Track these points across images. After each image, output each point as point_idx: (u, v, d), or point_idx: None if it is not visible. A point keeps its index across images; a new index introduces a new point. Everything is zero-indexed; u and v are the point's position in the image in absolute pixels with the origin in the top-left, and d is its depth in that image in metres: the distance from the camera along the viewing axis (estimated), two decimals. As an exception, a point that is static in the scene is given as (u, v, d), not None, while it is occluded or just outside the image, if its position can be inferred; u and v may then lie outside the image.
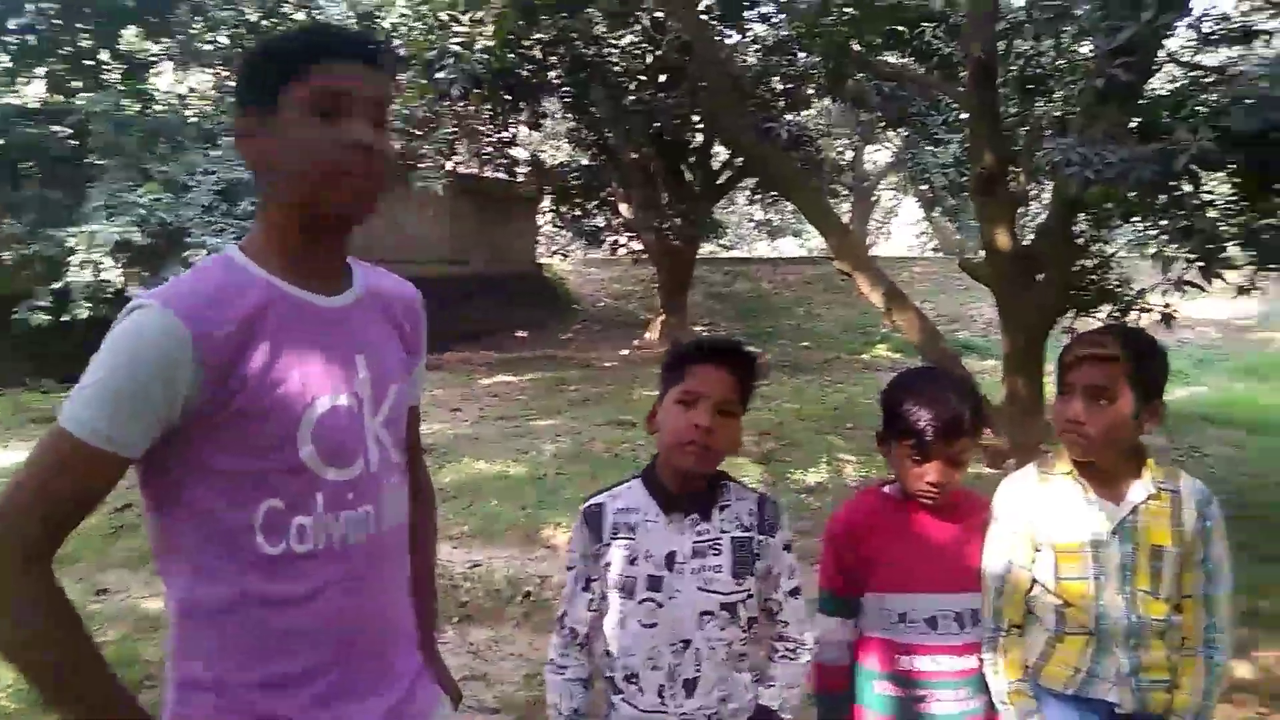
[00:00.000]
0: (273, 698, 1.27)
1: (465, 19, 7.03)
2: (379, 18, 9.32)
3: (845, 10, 8.09)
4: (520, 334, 14.38)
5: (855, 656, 1.99)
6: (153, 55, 11.99)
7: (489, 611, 4.34)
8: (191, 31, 11.54)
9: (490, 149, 11.64)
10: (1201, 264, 4.65)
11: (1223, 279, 4.85)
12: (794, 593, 1.84)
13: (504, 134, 11.13)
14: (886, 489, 2.05)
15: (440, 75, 7.33)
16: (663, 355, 1.91)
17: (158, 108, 11.90)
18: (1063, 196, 5.52)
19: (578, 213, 14.70)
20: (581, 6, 6.71)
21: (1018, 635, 1.92)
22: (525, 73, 8.56)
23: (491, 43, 7.00)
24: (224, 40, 12.06)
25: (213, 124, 10.50)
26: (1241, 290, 5.89)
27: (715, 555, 1.76)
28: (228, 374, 1.19)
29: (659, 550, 1.75)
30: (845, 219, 25.21)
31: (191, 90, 13.25)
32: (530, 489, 5.99)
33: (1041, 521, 1.92)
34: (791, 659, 1.83)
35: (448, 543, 5.24)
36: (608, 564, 1.78)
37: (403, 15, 7.80)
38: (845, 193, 21.17)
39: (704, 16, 10.08)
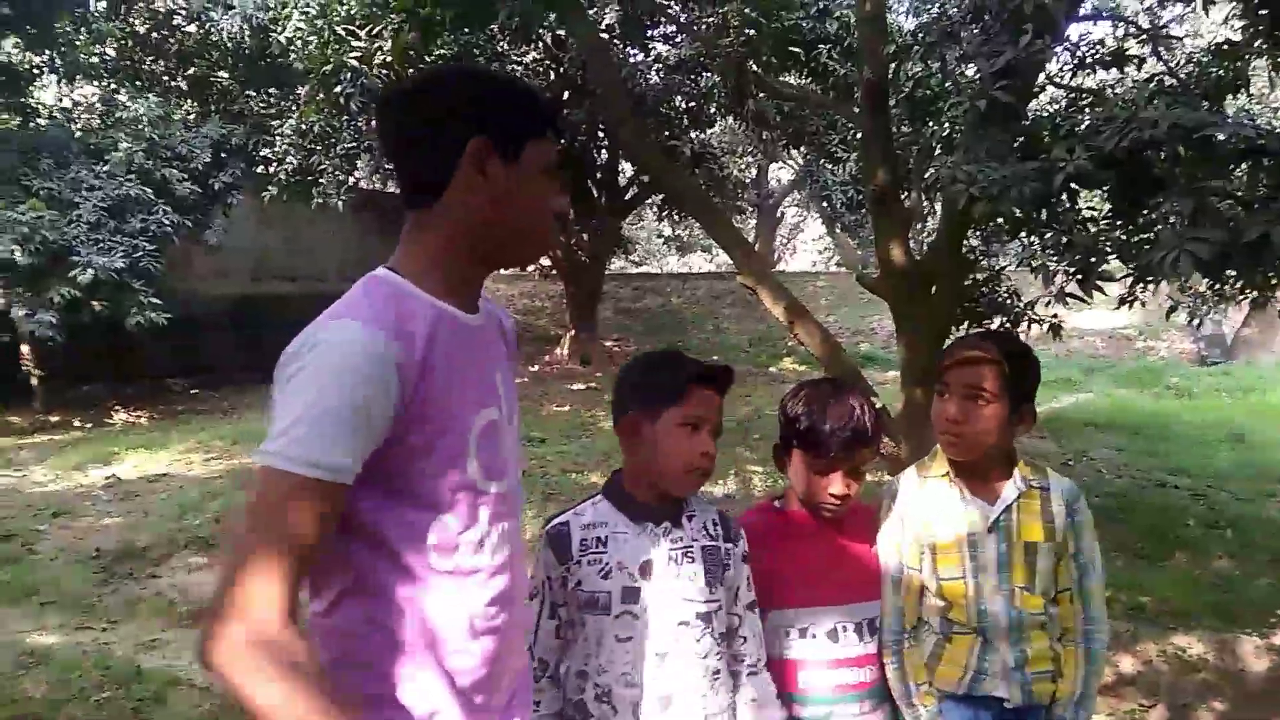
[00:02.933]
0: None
1: (363, 33, 6.93)
2: (274, 31, 9.12)
3: (743, 31, 8.26)
4: (427, 352, 14.11)
5: None
6: (34, 67, 11.48)
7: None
8: (76, 43, 11.10)
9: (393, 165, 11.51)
10: (1080, 277, 4.86)
11: (1102, 291, 5.08)
12: (751, 606, 1.82)
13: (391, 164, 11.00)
14: (776, 503, 2.04)
15: (338, 89, 7.21)
16: (634, 372, 1.86)
17: (40, 122, 11.41)
18: (951, 213, 5.71)
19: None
20: (481, 24, 6.68)
21: (915, 637, 1.96)
22: (427, 88, 8.48)
23: (390, 58, 6.91)
24: (111, 53, 11.63)
25: (99, 139, 10.11)
26: (1122, 301, 6.20)
27: (690, 563, 1.74)
28: (416, 392, 1.20)
29: (633, 561, 1.71)
30: (751, 236, 25.61)
31: (76, 104, 12.75)
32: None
33: (921, 521, 1.97)
34: (756, 673, 1.80)
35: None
36: (578, 583, 1.72)
37: (299, 29, 7.64)
38: (750, 210, 21.51)
39: (605, 35, 10.15)
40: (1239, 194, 4.43)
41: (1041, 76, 6.48)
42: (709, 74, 10.72)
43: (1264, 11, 5.26)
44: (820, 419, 1.87)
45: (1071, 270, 5.02)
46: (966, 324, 7.48)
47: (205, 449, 8.23)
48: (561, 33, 8.81)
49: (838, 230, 19.04)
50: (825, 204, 14.91)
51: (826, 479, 1.88)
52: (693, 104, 11.84)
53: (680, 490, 1.76)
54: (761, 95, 9.44)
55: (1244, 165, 4.30)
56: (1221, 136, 4.21)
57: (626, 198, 14.03)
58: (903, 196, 7.20)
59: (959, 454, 1.95)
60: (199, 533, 5.66)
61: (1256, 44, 5.53)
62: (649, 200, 15.08)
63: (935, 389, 1.97)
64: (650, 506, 1.75)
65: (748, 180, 19.95)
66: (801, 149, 12.81)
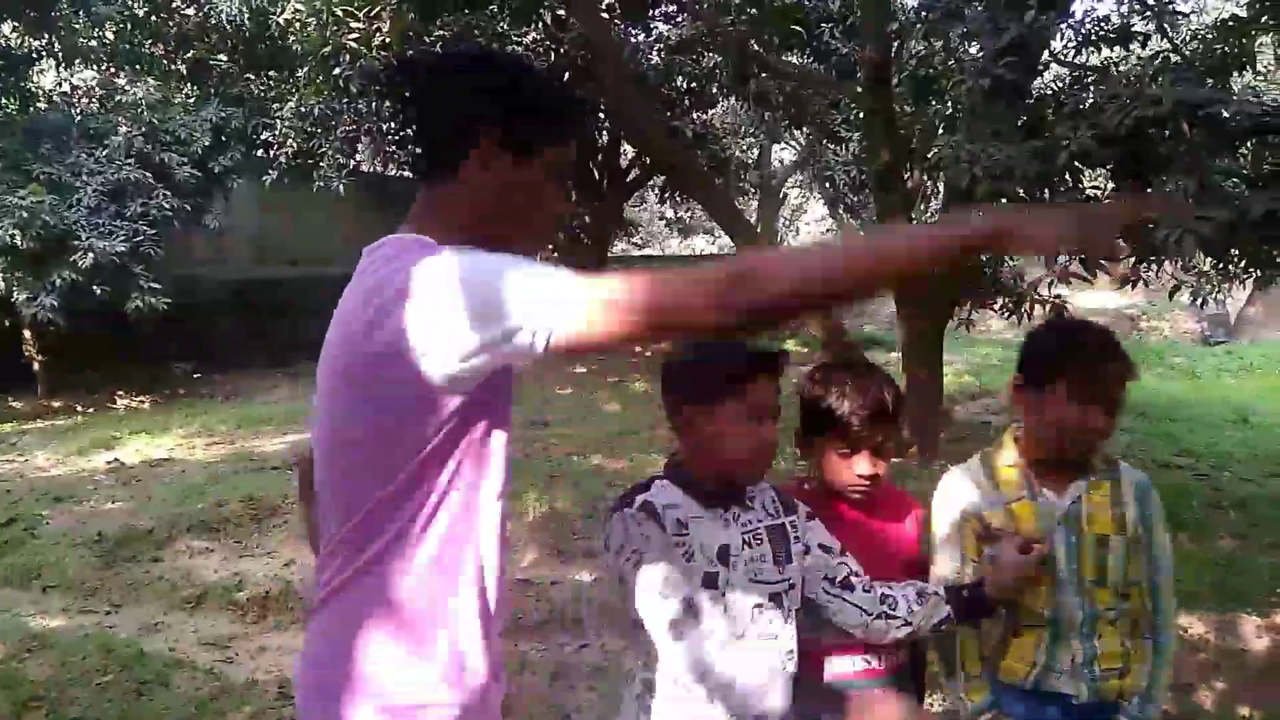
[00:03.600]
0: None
1: (361, 15, 6.88)
2: (272, 14, 9.06)
3: (745, 10, 8.20)
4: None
5: None
6: (33, 52, 11.43)
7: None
8: (75, 27, 11.04)
9: (394, 147, 11.44)
10: (1082, 257, 4.83)
11: (1106, 271, 5.06)
12: (845, 582, 1.80)
13: (407, 131, 10.93)
14: (806, 486, 1.99)
15: (336, 72, 7.18)
16: (693, 360, 1.79)
17: (40, 106, 11.37)
18: (954, 192, 5.68)
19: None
20: (481, 4, 6.64)
21: (972, 627, 1.90)
22: (427, 70, 8.43)
23: (389, 39, 6.87)
24: (109, 37, 11.57)
25: (99, 123, 10.07)
26: (1125, 281, 6.17)
27: (759, 545, 1.72)
28: None
29: (712, 545, 1.68)
30: (753, 217, 25.53)
31: (76, 88, 12.70)
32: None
33: (987, 514, 1.91)
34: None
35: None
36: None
37: (297, 11, 7.59)
38: (752, 191, 21.42)
39: (606, 15, 10.08)
40: (1244, 172, 4.40)
41: (1045, 54, 6.44)
42: (711, 54, 10.66)
43: (1271, -13, 5.21)
44: (840, 400, 1.85)
45: (1074, 249, 5.00)
46: (969, 305, 7.47)
47: (207, 433, 8.24)
48: (562, 13, 8.74)
49: (840, 211, 18.96)
50: (828, 184, 14.86)
51: (851, 460, 1.86)
52: (694, 84, 11.77)
53: (749, 480, 1.74)
54: (764, 75, 9.38)
55: (1250, 143, 4.27)
56: (1227, 114, 4.18)
57: (628, 180, 13.97)
58: (905, 176, 7.17)
59: (1073, 456, 1.89)
60: (201, 516, 5.67)
61: (1263, 20, 5.48)
62: (651, 182, 15.02)
63: (1072, 396, 1.81)
64: (718, 491, 1.73)
65: (750, 161, 19.85)
66: (804, 129, 12.74)
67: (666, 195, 16.15)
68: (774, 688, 1.70)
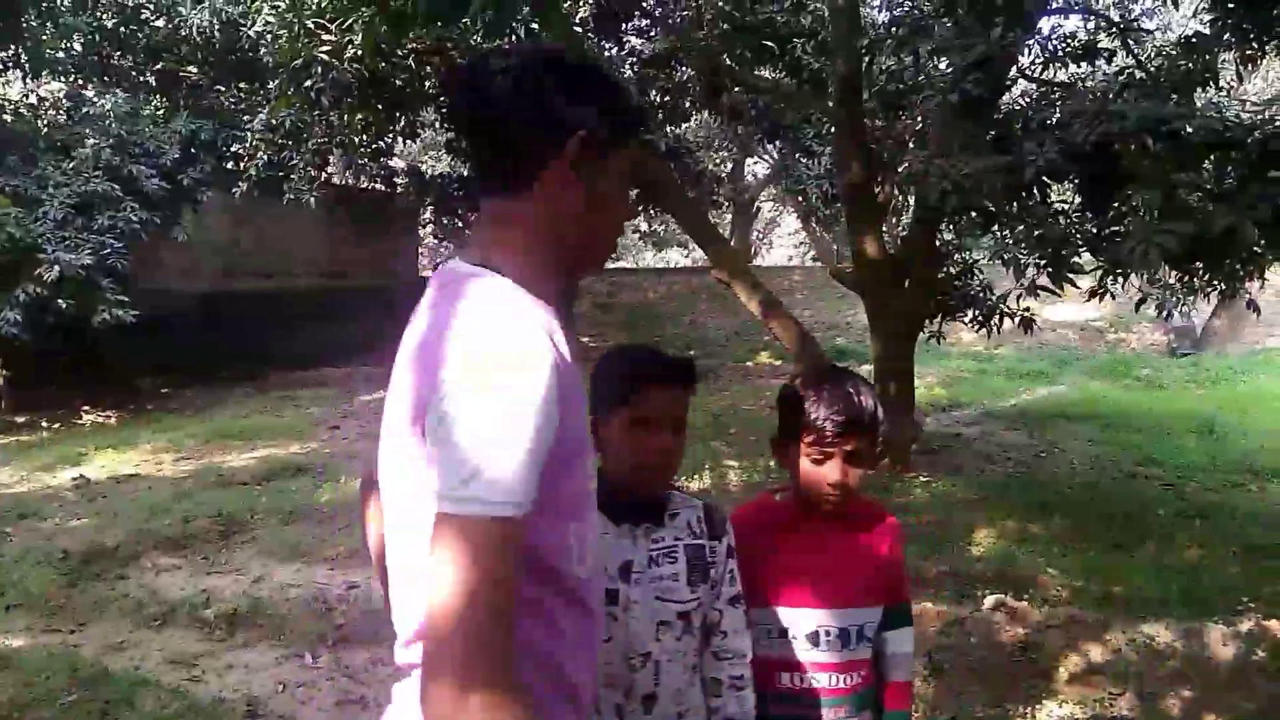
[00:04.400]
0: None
1: (334, 27, 6.86)
2: (243, 25, 9.01)
3: (717, 25, 8.26)
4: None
5: None
6: (0, 63, 11.31)
7: (367, 633, 4.22)
8: (43, 38, 10.92)
9: (366, 160, 11.40)
10: (1050, 269, 4.89)
11: (1073, 283, 5.12)
12: (734, 601, 1.78)
13: (379, 144, 10.93)
14: (779, 496, 1.97)
15: (308, 84, 7.14)
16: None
17: (6, 118, 11.23)
18: (924, 207, 5.74)
19: (460, 224, 14.51)
20: (454, 17, 6.63)
21: None
22: (399, 82, 8.43)
23: (361, 51, 6.84)
24: (78, 48, 11.46)
25: (66, 135, 9.96)
26: (1093, 294, 6.24)
27: (671, 563, 1.71)
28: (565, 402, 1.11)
29: (613, 562, 1.67)
30: (727, 230, 25.62)
31: (43, 100, 12.56)
32: (410, 507, 5.87)
33: None
34: (740, 689, 1.75)
35: (323, 565, 5.10)
36: None
37: (268, 23, 7.55)
38: (726, 204, 21.52)
39: (579, 29, 10.11)
40: (1208, 186, 4.48)
41: (1014, 70, 6.53)
42: (684, 68, 10.71)
43: (1232, 4, 5.31)
44: (816, 405, 1.81)
45: (1042, 263, 5.06)
46: (940, 317, 7.53)
47: (175, 448, 8.14)
48: (535, 26, 8.76)
49: (813, 224, 19.09)
50: (801, 198, 14.93)
51: (824, 468, 1.80)
52: (667, 98, 11.83)
53: (643, 490, 1.72)
54: (736, 89, 9.44)
55: (1212, 158, 4.35)
56: (1190, 129, 4.26)
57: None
58: (876, 190, 7.23)
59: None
60: (168, 533, 5.59)
61: (1225, 37, 5.59)
62: (625, 195, 15.05)
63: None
64: (631, 506, 1.71)
65: (723, 175, 19.95)
66: (777, 143, 12.82)
67: (641, 209, 16.20)
68: (686, 701, 1.69)
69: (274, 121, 8.61)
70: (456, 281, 1.17)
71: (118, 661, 4.09)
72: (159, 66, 11.75)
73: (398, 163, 13.73)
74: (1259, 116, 4.55)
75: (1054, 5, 7.38)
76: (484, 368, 1.05)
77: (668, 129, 12.78)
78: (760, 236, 31.37)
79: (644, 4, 10.05)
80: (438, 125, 13.23)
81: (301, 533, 5.54)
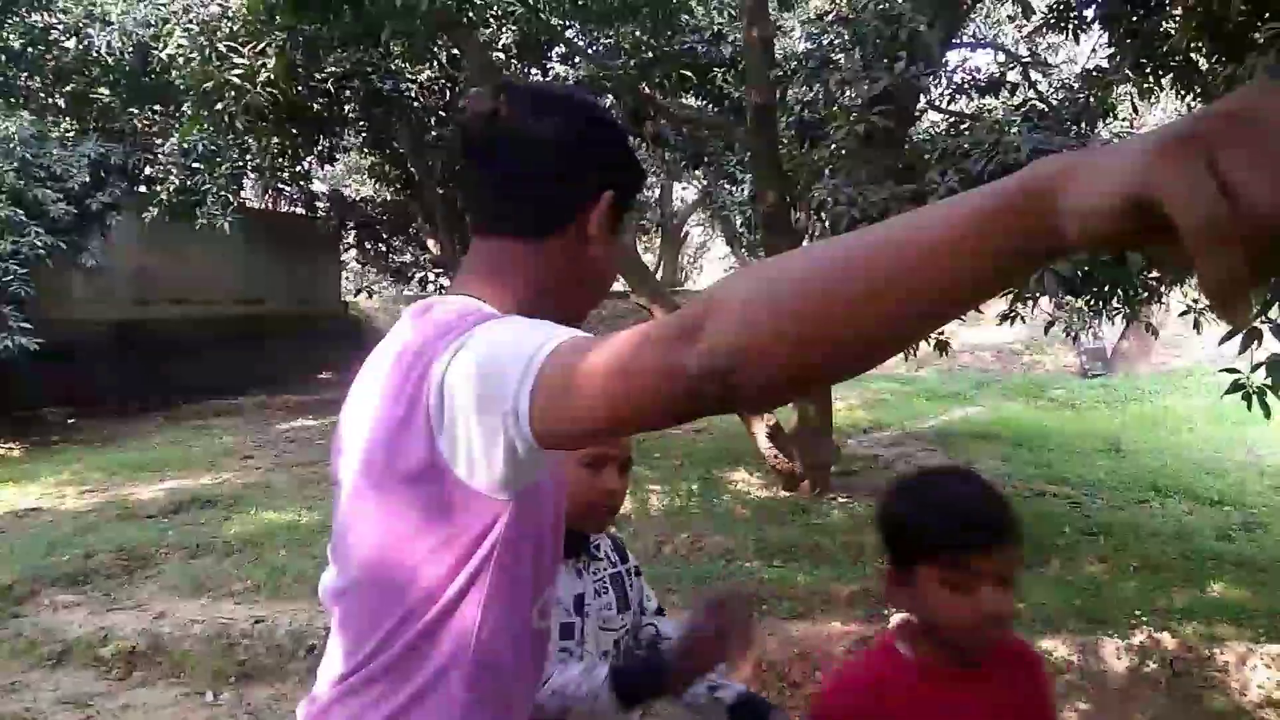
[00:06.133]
0: None
1: (246, 50, 6.76)
2: (154, 48, 8.83)
3: (636, 54, 8.36)
4: (323, 375, 13.85)
5: None
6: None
7: (270, 669, 4.12)
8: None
9: (284, 184, 11.23)
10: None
11: (976, 309, 5.27)
12: (659, 611, 1.87)
13: (297, 168, 10.77)
14: (900, 646, 1.44)
15: (220, 107, 7.01)
16: None
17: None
18: (838, 234, 5.86)
19: (384, 249, 14.36)
20: (367, 43, 6.60)
21: None
22: (317, 106, 8.32)
23: (275, 75, 6.76)
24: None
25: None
26: (1004, 318, 6.43)
27: (605, 594, 1.76)
28: None
29: (568, 596, 1.69)
30: (655, 255, 25.81)
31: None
32: (323, 538, 5.75)
33: None
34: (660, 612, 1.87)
35: (229, 599, 4.96)
36: None
37: (180, 46, 7.41)
38: (653, 229, 21.69)
39: (503, 55, 10.14)
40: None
41: (923, 102, 6.73)
42: (607, 95, 10.81)
43: (1130, 41, 5.56)
44: (948, 513, 1.39)
45: (946, 288, 5.21)
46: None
47: (80, 481, 7.85)
48: (457, 52, 8.77)
49: (740, 249, 19.36)
50: (725, 224, 15.13)
51: (974, 596, 1.32)
52: (591, 125, 11.90)
53: (589, 528, 1.73)
54: (658, 117, 9.56)
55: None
56: (1081, 160, 4.43)
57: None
58: (793, 217, 7.37)
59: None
60: (67, 568, 5.38)
61: (1122, 71, 5.84)
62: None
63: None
64: (570, 540, 1.72)
65: (651, 200, 20.12)
66: (700, 170, 12.99)
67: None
68: None
69: (186, 145, 8.43)
70: (436, 303, 1.12)
71: (8, 704, 3.93)
72: (69, 88, 11.43)
73: (319, 186, 13.54)
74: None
75: (963, 40, 7.64)
76: (479, 321, 1.00)
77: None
78: (691, 261, 31.66)
79: (566, 33, 10.12)
80: (360, 149, 13.09)
81: (208, 567, 5.38)
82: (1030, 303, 6.18)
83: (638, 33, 8.51)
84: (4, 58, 10.97)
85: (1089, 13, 6.18)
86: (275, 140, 8.64)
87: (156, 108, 10.75)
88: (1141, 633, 3.95)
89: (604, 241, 1.16)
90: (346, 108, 8.95)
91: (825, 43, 6.75)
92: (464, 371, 0.95)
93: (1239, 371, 3.67)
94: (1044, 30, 7.20)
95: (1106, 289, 5.17)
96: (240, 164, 8.73)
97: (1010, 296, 5.86)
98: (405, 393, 1.00)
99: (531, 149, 1.12)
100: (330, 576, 1.15)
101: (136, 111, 11.11)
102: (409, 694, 1.02)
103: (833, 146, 5.97)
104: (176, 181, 8.84)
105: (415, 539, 1.01)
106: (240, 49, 6.82)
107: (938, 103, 7.23)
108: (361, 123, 10.28)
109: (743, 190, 11.57)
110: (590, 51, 9.57)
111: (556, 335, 0.90)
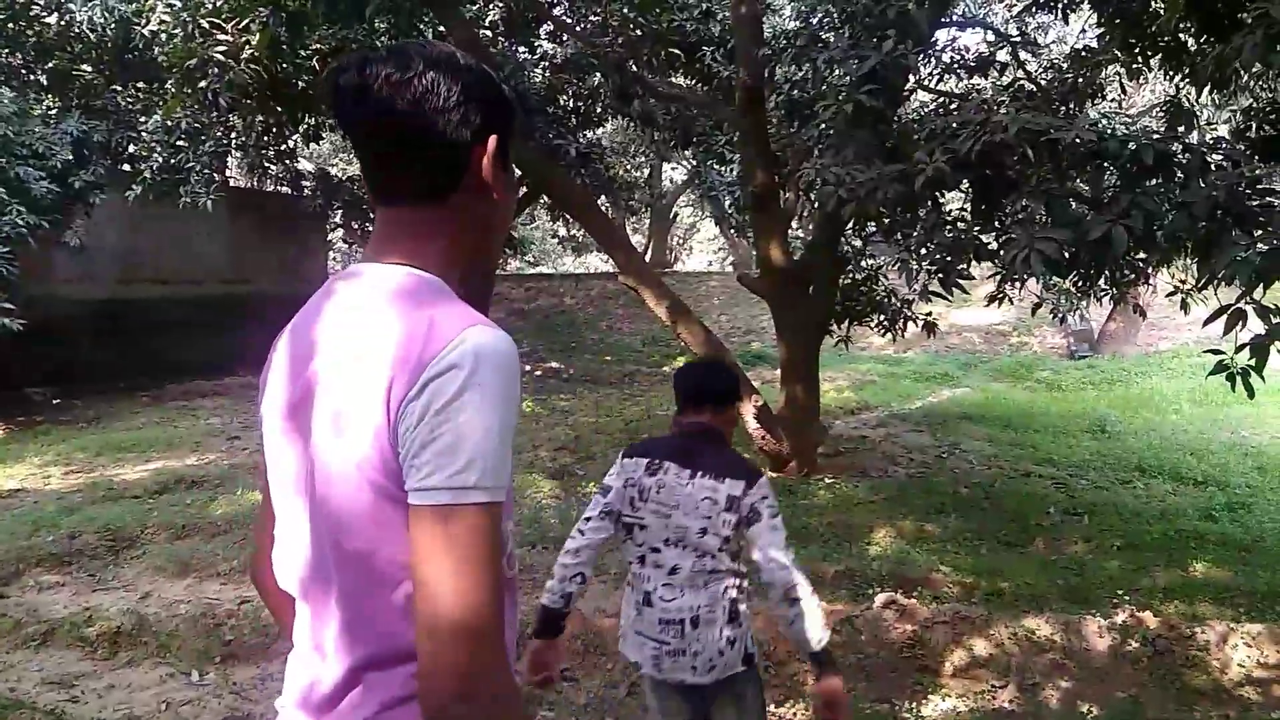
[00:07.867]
0: None
1: (229, 26, 6.67)
2: (137, 24, 8.71)
3: (623, 32, 8.29)
4: (312, 355, 13.72)
5: None
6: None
7: (255, 649, 4.12)
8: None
9: (269, 163, 11.11)
10: (941, 275, 5.03)
11: (962, 289, 5.26)
12: None
13: (283, 147, 10.65)
14: None
15: (203, 84, 6.92)
16: None
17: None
18: (826, 213, 5.85)
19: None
20: (352, 18, 6.51)
21: None
22: (302, 84, 8.23)
23: (258, 52, 6.67)
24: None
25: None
26: (992, 299, 6.43)
27: None
28: None
29: None
30: (644, 236, 25.74)
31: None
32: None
33: None
34: None
35: (215, 580, 4.95)
36: None
37: (163, 22, 7.30)
38: (642, 209, 21.59)
39: (489, 32, 10.05)
40: (1088, 195, 4.66)
41: (911, 81, 6.69)
42: (596, 74, 10.72)
43: (1119, 21, 5.53)
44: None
45: (932, 269, 5.21)
46: (847, 322, 7.68)
47: (65, 461, 7.81)
48: (443, 29, 8.67)
49: (729, 230, 19.29)
50: (714, 204, 15.07)
51: None
52: (579, 104, 11.82)
53: None
54: (647, 95, 9.50)
55: (1088, 168, 4.51)
56: (1068, 141, 4.42)
57: (518, 197, 13.91)
58: (781, 197, 7.34)
59: None
60: (52, 549, 5.36)
61: (1111, 51, 5.82)
62: (542, 200, 14.99)
63: None
64: None
65: (640, 180, 20.01)
66: (689, 150, 12.92)
67: (558, 213, 16.16)
68: None
69: (169, 122, 8.33)
70: (394, 283, 1.12)
71: (-9, 685, 3.91)
72: (51, 65, 11.27)
73: (305, 165, 13.41)
74: (1133, 128, 4.75)
75: (953, 19, 7.61)
76: (479, 369, 1.03)
77: (582, 134, 12.77)
78: (680, 242, 31.58)
79: (554, 10, 10.03)
80: (347, 128, 12.92)
81: (193, 547, 5.37)
82: (1018, 284, 6.18)
83: (626, 10, 8.43)
84: (-17, 34, 10.81)
85: (1078, -8, 6.16)
86: (260, 118, 8.53)
87: (139, 85, 10.61)
88: (1124, 612, 3.98)
89: (501, 184, 1.18)
90: (333, 85, 8.84)
91: (814, 21, 6.71)
92: (435, 436, 1.02)
93: (1223, 353, 3.68)
94: (1033, 10, 7.15)
95: (1093, 270, 5.17)
96: (224, 142, 8.63)
97: (998, 278, 5.86)
98: (394, 401, 1.04)
99: (409, 119, 1.11)
100: (295, 562, 1.16)
101: (119, 89, 10.96)
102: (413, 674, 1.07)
103: (821, 126, 5.95)
104: (160, 160, 8.72)
105: (400, 526, 1.05)
106: (224, 25, 6.72)
107: (926, 82, 7.20)
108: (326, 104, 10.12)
109: (732, 170, 11.49)
110: (578, 29, 9.48)
111: (486, 477, 1.02)
